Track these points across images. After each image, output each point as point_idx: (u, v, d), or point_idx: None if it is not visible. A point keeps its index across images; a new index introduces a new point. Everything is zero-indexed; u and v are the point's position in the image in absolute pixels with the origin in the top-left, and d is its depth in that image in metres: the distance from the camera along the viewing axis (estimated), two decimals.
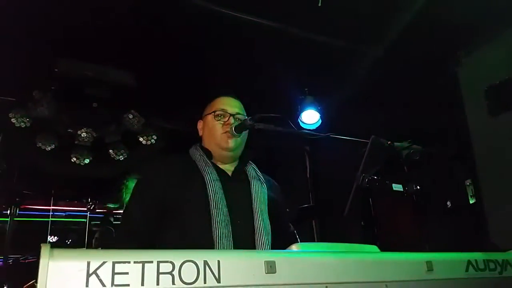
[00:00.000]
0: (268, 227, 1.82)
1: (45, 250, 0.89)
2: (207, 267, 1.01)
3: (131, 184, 5.86)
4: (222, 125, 1.94)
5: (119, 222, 2.00)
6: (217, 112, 1.97)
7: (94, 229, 5.57)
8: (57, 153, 4.26)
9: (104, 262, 0.92)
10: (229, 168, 1.96)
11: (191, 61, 4.01)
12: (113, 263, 0.93)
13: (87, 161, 4.39)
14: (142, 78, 4.07)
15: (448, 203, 4.09)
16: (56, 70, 3.61)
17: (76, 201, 5.34)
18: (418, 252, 1.42)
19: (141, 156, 4.75)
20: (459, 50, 2.30)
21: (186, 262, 1.00)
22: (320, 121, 4.44)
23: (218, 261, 1.02)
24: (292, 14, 3.41)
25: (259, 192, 1.90)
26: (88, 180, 4.99)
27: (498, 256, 1.60)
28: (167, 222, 1.74)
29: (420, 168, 2.21)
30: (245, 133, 1.99)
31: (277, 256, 1.11)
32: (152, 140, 4.61)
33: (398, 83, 3.22)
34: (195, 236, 1.70)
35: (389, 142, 2.08)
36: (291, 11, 3.38)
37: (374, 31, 3.18)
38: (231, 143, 1.92)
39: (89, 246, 4.71)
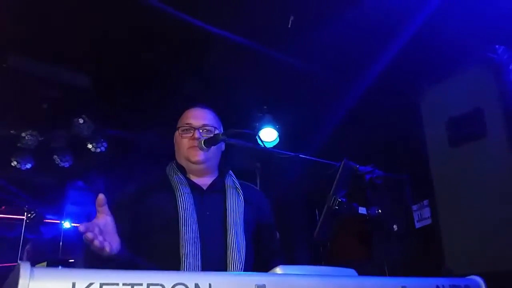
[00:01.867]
0: (242, 242, 1.75)
1: (24, 269, 0.78)
2: None
3: (73, 194, 5.53)
4: (188, 139, 1.89)
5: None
6: (182, 127, 1.93)
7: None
8: None
9: (90, 284, 0.83)
10: (205, 181, 1.90)
11: (150, 69, 3.90)
12: (101, 285, 0.84)
13: (28, 166, 4.08)
14: (97, 83, 3.90)
15: (395, 227, 4.26)
16: (4, 65, 3.35)
17: (12, 208, 4.92)
18: (392, 277, 1.45)
19: (87, 164, 4.51)
20: (422, 81, 2.41)
21: (177, 285, 0.93)
22: (278, 139, 4.47)
23: (210, 284, 0.97)
24: (258, 32, 3.44)
25: (234, 204, 1.84)
26: (28, 187, 4.63)
27: (461, 281, 1.66)
28: (137, 242, 1.65)
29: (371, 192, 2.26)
30: (218, 145, 1.93)
31: (267, 279, 1.07)
32: (102, 148, 4.39)
33: (359, 108, 3.33)
34: (163, 255, 1.63)
35: (357, 166, 2.12)
36: (258, 29, 3.41)
37: (339, 57, 3.28)
38: (200, 156, 1.86)
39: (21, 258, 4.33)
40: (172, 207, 1.71)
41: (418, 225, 4.13)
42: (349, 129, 3.62)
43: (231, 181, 1.94)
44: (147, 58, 3.72)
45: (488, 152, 2.24)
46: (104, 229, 1.40)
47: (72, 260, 4.70)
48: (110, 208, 1.76)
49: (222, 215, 1.78)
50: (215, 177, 1.93)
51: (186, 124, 1.92)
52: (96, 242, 1.34)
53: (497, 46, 2.29)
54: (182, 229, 1.65)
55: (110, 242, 1.39)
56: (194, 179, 1.88)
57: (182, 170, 1.89)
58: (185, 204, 1.72)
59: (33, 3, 3.06)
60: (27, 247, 4.99)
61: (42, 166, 4.25)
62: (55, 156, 4.27)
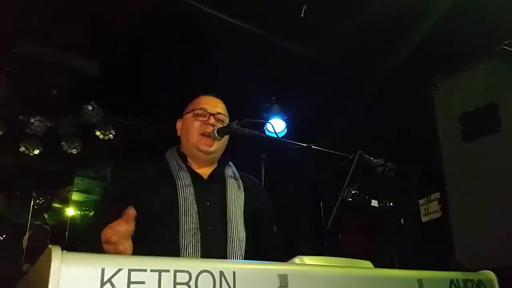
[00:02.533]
0: (242, 234, 1.73)
1: (56, 253, 0.78)
2: (223, 278, 0.95)
3: (79, 182, 5.54)
4: (200, 124, 1.86)
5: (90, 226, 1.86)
6: (197, 111, 1.88)
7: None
8: (4, 141, 3.92)
9: (119, 270, 0.83)
10: (205, 171, 1.86)
11: (159, 58, 3.88)
12: (129, 271, 0.84)
13: (36, 151, 4.08)
14: (107, 70, 3.88)
15: (402, 220, 4.27)
16: (14, 50, 3.34)
17: (18, 193, 4.94)
18: (408, 270, 1.45)
19: (95, 152, 4.52)
20: (437, 74, 2.39)
21: (203, 272, 0.93)
22: (286, 130, 4.46)
23: (234, 272, 0.97)
24: (268, 21, 3.41)
25: (235, 196, 1.82)
26: (35, 173, 4.64)
27: (474, 276, 1.67)
28: (136, 230, 1.57)
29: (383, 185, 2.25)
30: (226, 136, 1.91)
31: (289, 269, 1.08)
32: (110, 136, 4.39)
33: (371, 100, 3.31)
34: (162, 245, 1.59)
35: (371, 158, 2.11)
36: (268, 18, 3.38)
37: (350, 49, 3.25)
38: (211, 146, 1.84)
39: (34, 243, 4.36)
40: (172, 196, 1.68)
41: (424, 219, 4.15)
42: (360, 122, 3.61)
43: (231, 172, 1.92)
44: (156, 47, 3.70)
45: (502, 147, 2.22)
46: (122, 235, 1.37)
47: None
48: (111, 196, 1.75)
49: (223, 206, 1.76)
50: (215, 167, 1.90)
51: (201, 108, 1.89)
52: (117, 248, 1.33)
53: None
54: (182, 219, 1.62)
55: (126, 248, 1.37)
56: (195, 167, 1.84)
57: (183, 157, 1.84)
58: (186, 194, 1.69)
59: None
60: (28, 234, 4.99)
61: (50, 152, 4.25)
62: (63, 143, 4.27)
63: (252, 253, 1.75)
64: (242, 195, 1.85)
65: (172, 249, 1.57)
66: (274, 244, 1.93)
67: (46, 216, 5.65)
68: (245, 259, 1.69)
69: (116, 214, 1.45)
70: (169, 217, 1.63)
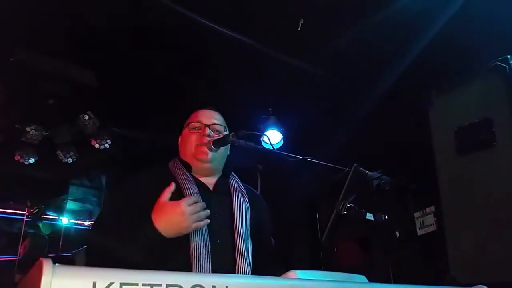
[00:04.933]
0: (250, 247, 1.72)
1: (47, 266, 0.77)
2: None
3: (74, 192, 5.51)
4: (197, 136, 1.87)
5: (92, 233, 1.78)
6: (192, 124, 1.91)
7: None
8: None
9: (111, 283, 0.82)
10: (210, 181, 1.86)
11: (157, 70, 3.89)
12: (121, 285, 0.83)
13: (32, 160, 4.06)
14: (103, 80, 3.89)
15: (397, 233, 4.26)
16: (11, 59, 3.34)
17: (12, 203, 4.90)
18: (403, 285, 1.44)
19: (91, 161, 4.50)
20: (432, 89, 2.42)
21: (195, 286, 0.92)
22: (282, 142, 4.47)
23: (226, 287, 0.96)
24: (266, 34, 3.44)
25: (241, 208, 1.81)
26: (29, 182, 4.61)
27: None
28: None
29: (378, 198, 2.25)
30: (225, 148, 1.92)
31: (282, 284, 1.07)
32: (106, 145, 4.37)
33: (367, 113, 3.32)
34: (171, 257, 1.57)
35: (366, 172, 2.11)
36: (265, 31, 3.40)
37: (348, 63, 3.28)
38: (207, 154, 1.84)
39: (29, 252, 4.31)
40: None
41: (420, 232, 4.14)
42: (356, 135, 3.62)
43: (235, 183, 1.92)
44: (154, 58, 3.71)
45: (496, 161, 2.24)
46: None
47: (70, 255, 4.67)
48: (117, 199, 1.73)
49: (229, 218, 1.75)
50: (218, 178, 1.90)
51: (197, 121, 1.91)
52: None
53: (508, 56, 2.29)
54: (193, 231, 1.60)
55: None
56: (200, 178, 1.84)
57: (188, 167, 1.85)
58: None
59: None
60: (25, 241, 4.95)
61: (45, 161, 4.23)
62: (58, 152, 4.25)
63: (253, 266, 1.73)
64: (247, 207, 1.84)
65: (182, 262, 1.55)
66: (272, 257, 1.92)
67: (40, 225, 5.61)
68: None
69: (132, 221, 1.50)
70: None
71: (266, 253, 1.86)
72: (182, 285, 0.91)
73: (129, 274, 0.87)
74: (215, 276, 0.97)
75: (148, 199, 1.64)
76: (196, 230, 1.61)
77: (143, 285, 0.86)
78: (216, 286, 0.95)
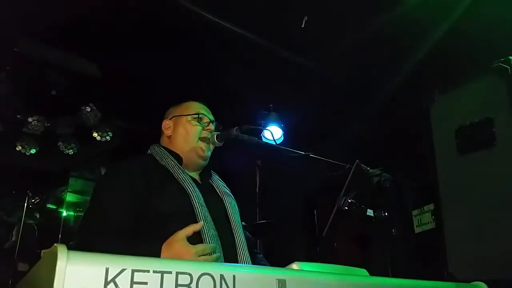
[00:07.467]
0: (246, 241, 1.73)
1: (62, 251, 0.79)
2: (223, 281, 0.97)
3: (74, 183, 5.50)
4: (201, 129, 1.85)
5: (86, 223, 1.61)
6: (194, 116, 1.86)
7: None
8: (0, 139, 3.91)
9: (123, 270, 0.84)
10: (195, 176, 1.83)
11: (159, 61, 3.90)
12: (132, 271, 0.85)
13: (33, 151, 4.07)
14: (106, 72, 3.89)
15: (394, 230, 4.29)
16: (15, 49, 3.34)
17: (14, 192, 4.91)
18: (403, 279, 1.46)
19: (92, 153, 4.51)
20: (434, 89, 2.44)
21: (204, 275, 0.95)
22: (283, 137, 4.49)
23: (234, 276, 0.99)
24: (269, 29, 3.44)
25: (232, 204, 1.82)
26: (30, 172, 4.62)
27: (466, 287, 1.69)
28: (147, 233, 1.55)
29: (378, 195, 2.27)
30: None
31: (287, 274, 1.09)
32: (107, 137, 4.38)
33: (369, 111, 3.35)
34: None
35: (368, 168, 2.14)
36: (268, 26, 3.41)
37: (350, 61, 3.29)
38: (209, 152, 1.84)
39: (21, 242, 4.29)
40: (185, 202, 1.62)
41: (417, 230, 4.17)
42: (358, 132, 3.64)
43: (216, 177, 1.92)
44: (156, 52, 3.72)
45: (496, 161, 2.27)
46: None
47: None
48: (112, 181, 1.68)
49: (225, 214, 1.75)
50: (200, 173, 1.87)
51: (202, 113, 1.87)
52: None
53: (510, 57, 2.30)
54: (205, 227, 1.55)
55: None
56: (189, 172, 1.79)
57: (179, 159, 1.78)
58: (200, 201, 1.64)
59: None
60: (14, 231, 4.91)
61: (46, 152, 4.24)
62: (60, 143, 4.26)
63: None
64: (235, 202, 1.85)
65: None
66: (254, 245, 1.98)
67: (37, 215, 5.60)
68: None
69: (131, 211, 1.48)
70: (183, 220, 1.51)
71: (250, 241, 1.85)
72: (192, 273, 0.93)
73: (141, 261, 0.89)
74: (222, 265, 0.99)
75: (149, 193, 1.60)
76: (208, 227, 1.58)
77: (154, 272, 0.88)
78: (224, 275, 0.98)
